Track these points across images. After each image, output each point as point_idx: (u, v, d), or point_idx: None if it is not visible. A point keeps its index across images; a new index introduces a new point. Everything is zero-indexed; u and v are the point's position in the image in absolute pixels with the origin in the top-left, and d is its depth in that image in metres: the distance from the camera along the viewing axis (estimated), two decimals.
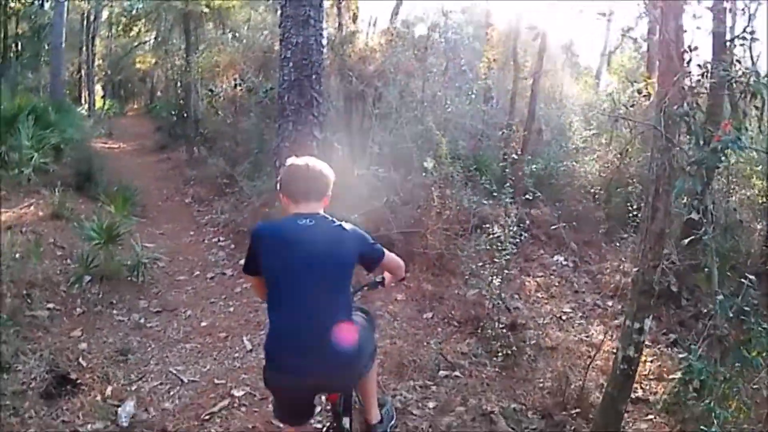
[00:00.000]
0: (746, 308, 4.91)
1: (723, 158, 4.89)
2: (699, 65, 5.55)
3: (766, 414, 5.60)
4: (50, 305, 8.85)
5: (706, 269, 5.54)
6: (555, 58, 19.96)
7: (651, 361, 8.02)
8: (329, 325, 4.08)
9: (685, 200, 6.29)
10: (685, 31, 5.62)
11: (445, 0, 24.23)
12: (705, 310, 8.20)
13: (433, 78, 14.43)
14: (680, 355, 7.04)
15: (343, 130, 14.10)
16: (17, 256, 9.81)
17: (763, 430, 5.55)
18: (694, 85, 5.39)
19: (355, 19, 18.13)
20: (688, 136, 5.39)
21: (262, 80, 16.81)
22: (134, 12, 38.11)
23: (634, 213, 9.68)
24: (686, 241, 6.94)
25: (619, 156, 13.26)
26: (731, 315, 4.93)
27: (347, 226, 4.33)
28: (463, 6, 22.11)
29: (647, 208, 5.61)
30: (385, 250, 4.61)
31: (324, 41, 13.41)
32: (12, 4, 27.85)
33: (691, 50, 5.45)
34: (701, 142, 5.07)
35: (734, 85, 5.94)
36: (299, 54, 12.56)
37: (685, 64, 5.38)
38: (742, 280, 5.12)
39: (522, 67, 15.77)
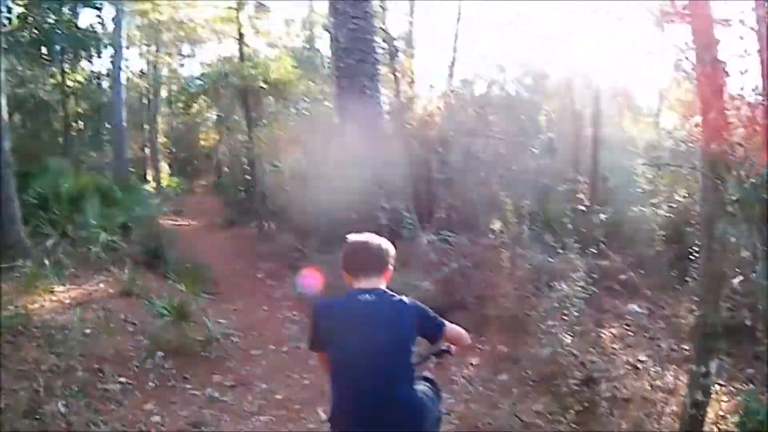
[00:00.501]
0: None
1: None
2: (736, 96, 5.53)
3: None
4: (122, 379, 8.98)
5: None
6: (612, 102, 19.84)
7: (727, 401, 7.84)
8: (391, 396, 4.12)
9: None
10: (725, 67, 5.59)
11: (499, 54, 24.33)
12: None
13: (494, 136, 14.41)
14: (737, 397, 7.03)
15: (409, 198, 14.10)
16: (87, 331, 10.00)
17: None
18: (733, 120, 5.37)
19: (412, 83, 18.26)
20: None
21: (326, 152, 16.96)
22: (192, 90, 38.94)
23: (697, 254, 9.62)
24: (736, 281, 6.91)
25: (685, 196, 13.09)
26: None
27: (407, 300, 4.35)
28: (519, 59, 22.19)
29: (703, 250, 5.60)
30: (446, 322, 4.62)
31: (382, 110, 13.58)
32: (70, 84, 28.37)
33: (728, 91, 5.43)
34: (742, 180, 5.02)
35: None
36: (358, 125, 12.77)
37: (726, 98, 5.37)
38: None
39: (581, 115, 15.71)
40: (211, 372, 9.97)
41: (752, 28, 6.96)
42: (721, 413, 7.51)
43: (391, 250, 4.58)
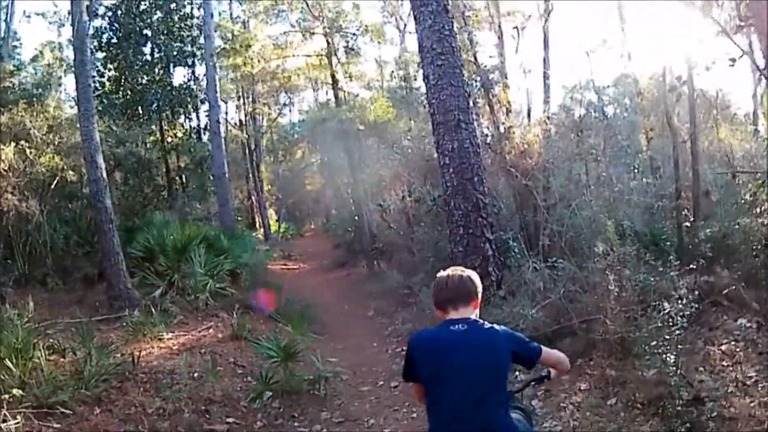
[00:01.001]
0: None
1: None
2: None
3: None
4: (230, 419, 9.34)
5: None
6: (708, 113, 19.62)
7: None
8: (487, 424, 4.20)
9: None
10: None
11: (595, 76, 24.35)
12: None
13: (594, 159, 14.44)
14: None
15: (514, 227, 14.23)
16: (195, 375, 10.35)
17: None
18: None
19: (508, 112, 18.36)
20: None
21: (429, 188, 17.18)
22: (292, 137, 39.64)
23: None
24: None
25: None
26: None
27: (498, 328, 4.47)
28: (614, 78, 22.18)
29: None
30: (543, 347, 4.67)
31: (479, 142, 13.74)
32: (169, 140, 29.19)
33: None
34: None
35: None
36: (457, 159, 13.00)
37: None
38: None
39: (678, 130, 15.62)
40: (320, 410, 10.23)
41: None
42: None
43: (476, 280, 4.65)
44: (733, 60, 8.32)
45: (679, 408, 8.13)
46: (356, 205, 25.03)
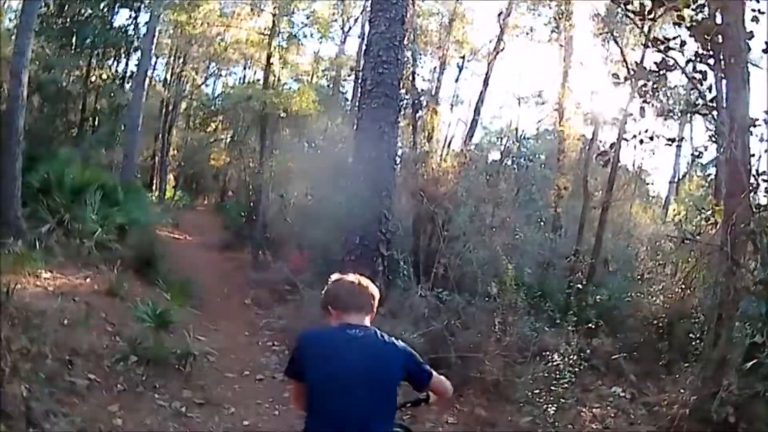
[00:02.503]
0: None
1: None
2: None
3: None
4: (91, 376, 8.85)
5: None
6: (625, 187, 19.96)
7: None
8: None
9: (748, 324, 6.12)
10: (753, 155, 5.66)
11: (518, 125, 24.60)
12: None
13: (503, 204, 14.47)
14: None
15: (410, 250, 14.11)
16: (65, 322, 9.92)
17: None
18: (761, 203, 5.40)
19: (429, 138, 18.33)
20: (755, 257, 5.32)
21: (333, 191, 17.01)
22: (212, 108, 39.03)
23: (696, 342, 9.63)
24: (748, 365, 6.85)
25: (683, 286, 13.14)
26: None
27: (398, 343, 4.29)
28: (537, 133, 22.41)
29: (709, 334, 5.57)
30: (434, 372, 4.49)
31: (397, 158, 13.62)
32: (93, 79, 28.41)
33: (758, 174, 5.47)
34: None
35: None
36: (372, 169, 12.81)
37: (753, 181, 5.41)
38: None
39: (592, 195, 15.80)
40: (182, 386, 9.86)
41: None
42: None
43: (376, 293, 4.54)
44: (671, 141, 8.35)
45: None
46: (255, 191, 24.64)
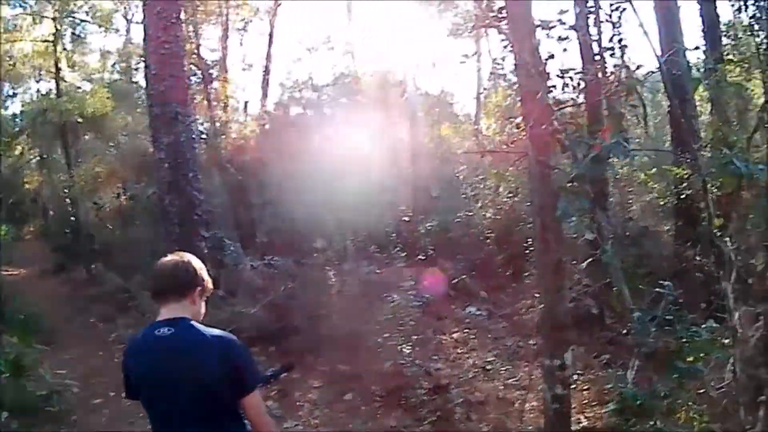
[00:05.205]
0: (668, 317, 4.77)
1: (607, 168, 4.82)
2: (560, 75, 5.54)
3: (720, 411, 5.48)
4: None
5: (614, 288, 5.44)
6: (430, 112, 20.10)
7: (587, 389, 8.03)
8: None
9: (573, 221, 6.08)
10: (552, 56, 5.64)
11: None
12: (624, 331, 8.17)
13: (312, 157, 14.37)
14: (608, 385, 7.03)
15: (230, 225, 13.89)
16: None
17: (723, 428, 5.45)
18: (559, 99, 5.39)
19: (226, 107, 18.07)
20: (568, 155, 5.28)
21: (144, 185, 16.62)
22: (14, 130, 37.81)
23: (532, 248, 9.69)
24: (584, 264, 6.89)
25: (510, 195, 13.33)
26: (654, 329, 4.77)
27: (217, 336, 3.65)
28: (334, 77, 22.31)
29: (537, 242, 5.57)
30: (256, 392, 3.71)
31: (195, 137, 13.31)
32: None
33: (563, 73, 5.45)
34: (580, 157, 4.91)
35: (607, 89, 5.99)
36: (173, 153, 12.49)
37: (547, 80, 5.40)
38: (658, 289, 4.97)
39: (398, 127, 15.81)
40: (58, 427, 9.35)
41: (573, 27, 7.06)
42: (585, 402, 7.66)
43: (192, 267, 3.82)
44: (466, 56, 8.38)
45: (424, 398, 8.15)
46: (73, 204, 23.94)
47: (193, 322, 3.69)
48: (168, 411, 3.63)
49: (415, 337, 9.10)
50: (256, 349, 8.99)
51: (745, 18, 13.89)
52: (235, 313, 10.40)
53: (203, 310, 3.88)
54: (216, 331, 3.67)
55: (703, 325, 4.83)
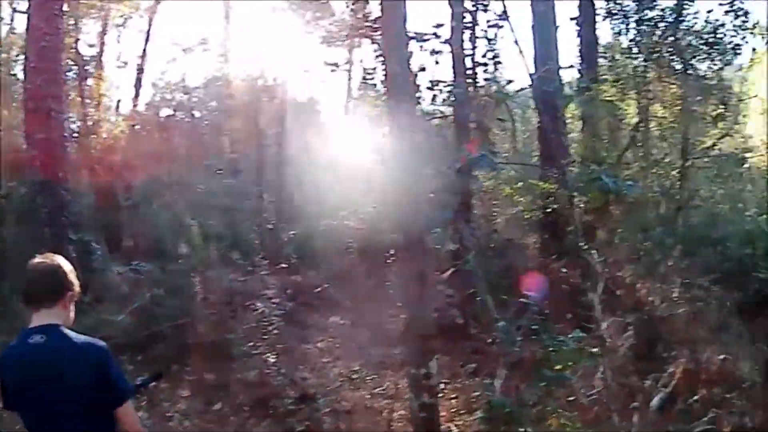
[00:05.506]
0: (534, 326, 5.10)
1: (472, 180, 5.02)
2: (430, 87, 5.82)
3: (592, 417, 5.82)
4: None
5: (478, 298, 5.66)
6: (299, 119, 20.17)
7: (455, 398, 8.20)
8: None
9: (437, 232, 6.26)
10: (423, 69, 5.89)
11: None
12: (490, 340, 8.21)
13: (179, 160, 14.42)
14: (475, 393, 7.35)
15: (97, 228, 13.84)
16: None
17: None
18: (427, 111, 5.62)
19: (99, 105, 17.87)
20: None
21: (16, 184, 16.38)
22: None
23: (394, 259, 10.03)
24: (446, 274, 7.16)
25: (374, 206, 13.55)
26: (519, 338, 5.07)
27: (88, 344, 3.62)
28: (206, 80, 22.27)
29: (400, 252, 5.72)
30: (130, 402, 3.74)
31: (68, 135, 13.24)
32: None
33: (433, 85, 5.72)
34: (444, 168, 5.12)
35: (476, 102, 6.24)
36: (45, 151, 12.37)
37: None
38: (523, 299, 5.28)
39: (266, 133, 15.94)
40: None
41: (447, 41, 7.39)
42: (454, 411, 7.83)
43: (62, 271, 3.72)
44: (335, 64, 8.63)
45: (291, 407, 8.26)
46: None
47: (65, 330, 3.63)
48: (43, 420, 3.57)
49: (280, 346, 9.20)
50: (124, 357, 8.63)
51: (624, 41, 14.71)
52: (101, 321, 10.22)
53: (73, 315, 3.83)
54: (88, 339, 3.66)
55: (570, 335, 5.21)
